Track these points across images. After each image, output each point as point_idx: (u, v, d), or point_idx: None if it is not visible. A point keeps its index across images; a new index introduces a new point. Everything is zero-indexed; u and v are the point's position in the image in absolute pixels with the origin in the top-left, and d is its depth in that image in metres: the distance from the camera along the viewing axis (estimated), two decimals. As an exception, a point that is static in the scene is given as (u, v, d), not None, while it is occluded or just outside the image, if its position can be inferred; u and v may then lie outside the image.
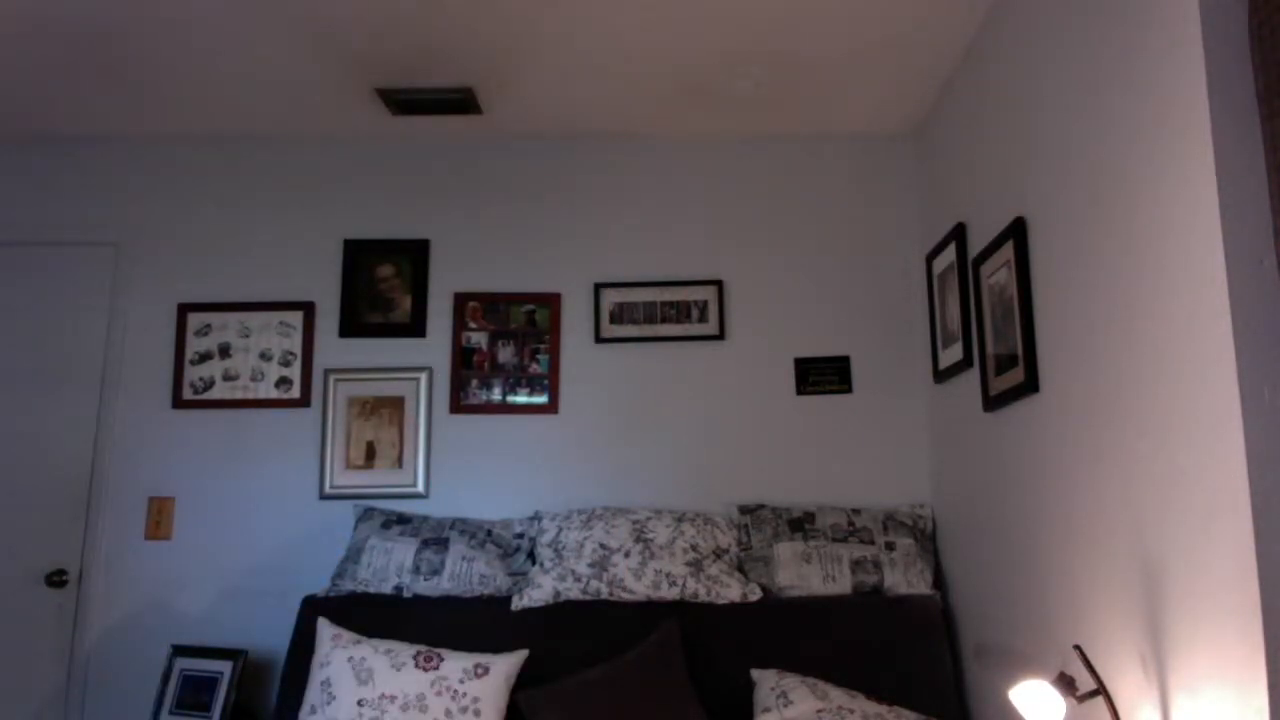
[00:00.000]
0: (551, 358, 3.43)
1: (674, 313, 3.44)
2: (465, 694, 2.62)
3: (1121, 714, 1.88)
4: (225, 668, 3.03)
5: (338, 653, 2.72)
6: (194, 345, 3.43)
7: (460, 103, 3.26)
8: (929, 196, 3.37)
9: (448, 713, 2.59)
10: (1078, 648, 1.97)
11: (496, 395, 3.41)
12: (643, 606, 2.97)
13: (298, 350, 3.43)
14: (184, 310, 3.45)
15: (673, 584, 2.97)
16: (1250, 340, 1.55)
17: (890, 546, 3.07)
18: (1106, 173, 2.00)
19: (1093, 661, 1.96)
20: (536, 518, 3.23)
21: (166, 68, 3.05)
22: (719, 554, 3.09)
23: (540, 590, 2.98)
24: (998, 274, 2.59)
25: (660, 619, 2.91)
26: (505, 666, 2.71)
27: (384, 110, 3.34)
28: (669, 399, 3.40)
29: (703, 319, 3.43)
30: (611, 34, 2.85)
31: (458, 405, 3.39)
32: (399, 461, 3.36)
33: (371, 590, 3.04)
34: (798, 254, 3.49)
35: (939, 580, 3.15)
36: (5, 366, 3.40)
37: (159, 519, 3.33)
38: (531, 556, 3.19)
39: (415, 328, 3.44)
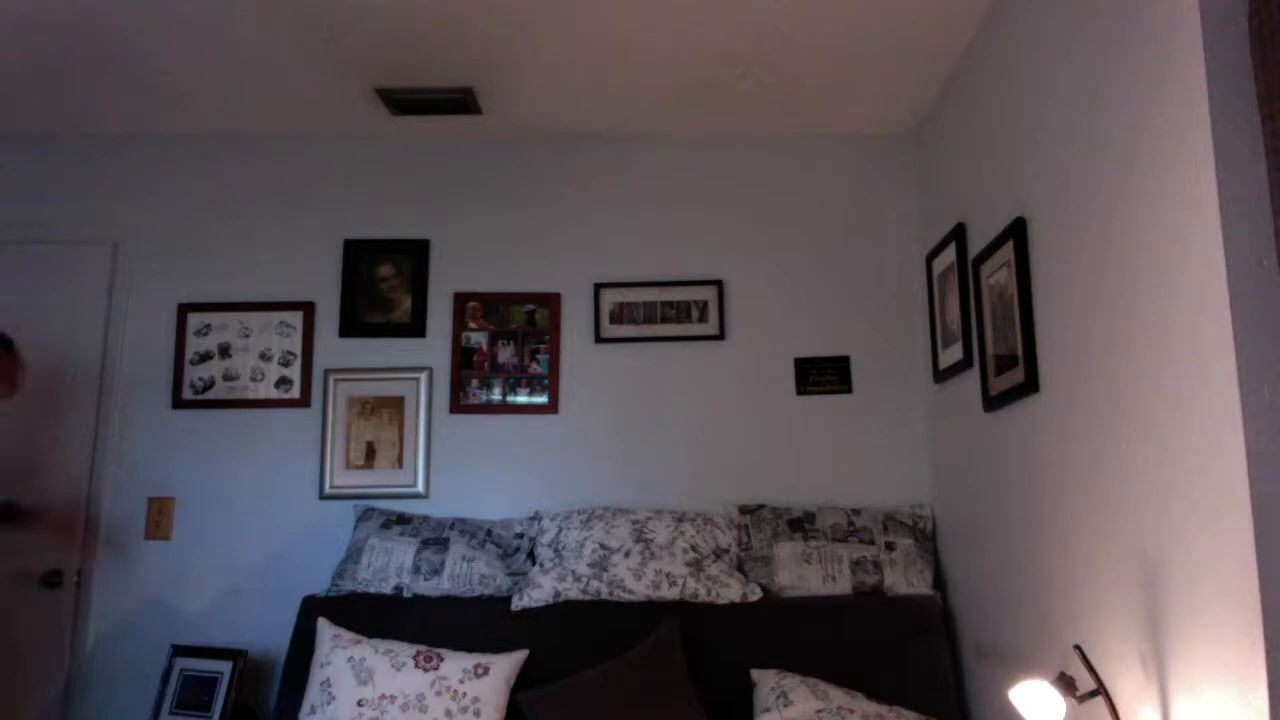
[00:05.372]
0: (551, 358, 3.43)
1: (674, 313, 3.44)
2: (465, 694, 2.62)
3: (1121, 714, 1.88)
4: (225, 668, 3.03)
5: (338, 653, 2.72)
6: (194, 345, 3.43)
7: (460, 103, 3.26)
8: (929, 196, 3.37)
9: (448, 713, 2.59)
10: (1078, 648, 1.97)
11: (496, 395, 3.41)
12: (643, 606, 2.97)
13: (298, 350, 3.43)
14: (184, 310, 3.45)
15: (673, 584, 2.97)
16: (1250, 340, 1.55)
17: (890, 546, 3.07)
18: (1106, 173, 2.00)
19: (1093, 661, 1.96)
20: (536, 518, 3.23)
21: (166, 67, 3.05)
22: (719, 554, 3.09)
23: (540, 590, 2.98)
24: (998, 274, 2.59)
25: (660, 619, 2.91)
26: (505, 666, 2.71)
27: (384, 110, 3.34)
28: (669, 399, 3.40)
29: (703, 319, 3.43)
30: (611, 34, 2.85)
31: (458, 405, 3.39)
32: (399, 461, 3.36)
33: (371, 590, 3.04)
34: (798, 254, 3.49)
35: (939, 580, 3.15)
36: (5, 366, 3.39)
37: (159, 519, 3.33)
38: (531, 556, 3.19)
39: (415, 328, 3.44)
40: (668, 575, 2.98)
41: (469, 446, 3.38)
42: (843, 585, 3.01)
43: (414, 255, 3.49)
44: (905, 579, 3.02)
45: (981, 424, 2.79)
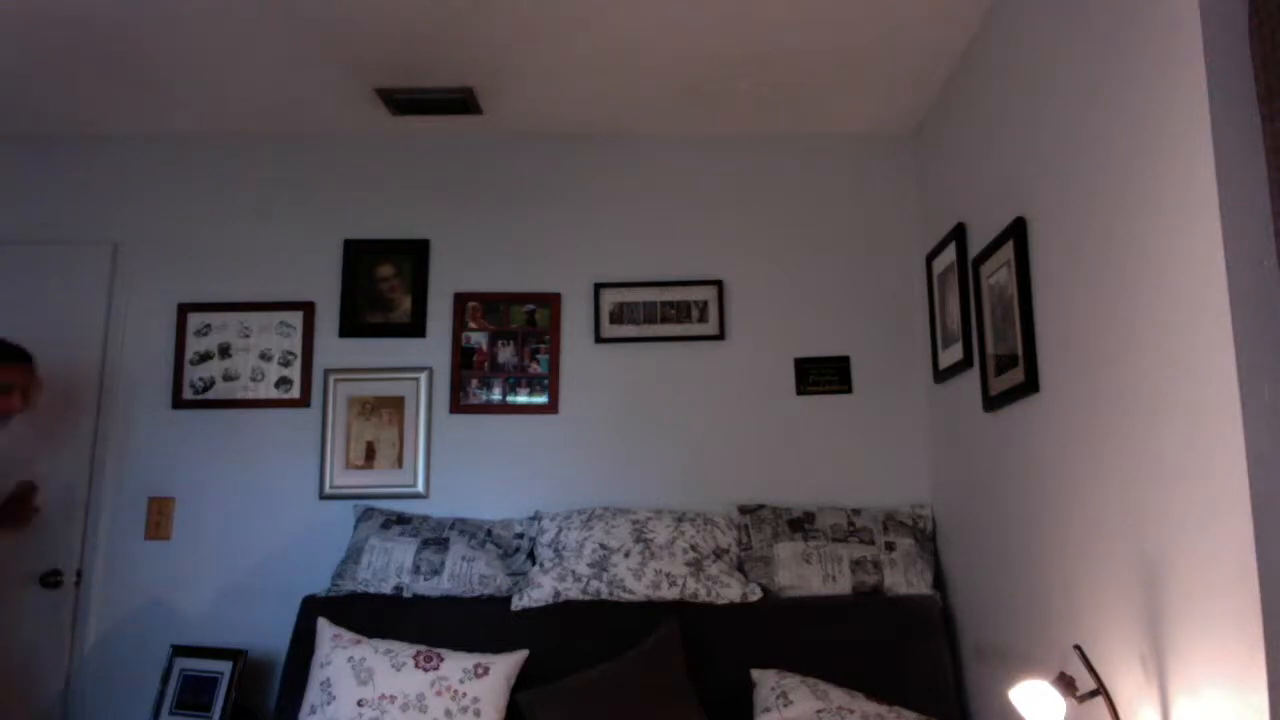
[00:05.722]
0: (551, 358, 3.43)
1: (674, 313, 3.44)
2: (465, 694, 2.62)
3: (1121, 714, 1.88)
4: (225, 668, 3.03)
5: (338, 653, 2.72)
6: (194, 345, 3.43)
7: (460, 103, 3.26)
8: (929, 196, 3.37)
9: (448, 713, 2.59)
10: (1078, 648, 1.97)
11: (496, 395, 3.41)
12: (643, 606, 2.97)
13: (298, 350, 3.43)
14: (184, 310, 3.45)
15: (673, 584, 2.97)
16: (1250, 340, 1.55)
17: (890, 546, 3.07)
18: (1106, 173, 2.00)
19: (1093, 661, 1.96)
20: (536, 518, 3.23)
21: (167, 68, 3.05)
22: (719, 554, 3.09)
23: (540, 590, 2.98)
24: (998, 274, 2.59)
25: (660, 619, 2.91)
26: (505, 666, 2.71)
27: (384, 110, 3.34)
28: (669, 399, 3.40)
29: (703, 319, 3.43)
30: (611, 34, 2.85)
31: (458, 405, 3.39)
32: (399, 461, 3.36)
33: (371, 590, 3.04)
34: (798, 254, 3.49)
35: (939, 580, 3.14)
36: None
37: (159, 519, 3.33)
38: (531, 556, 3.19)
39: (415, 328, 3.44)
40: (668, 575, 2.98)
41: (469, 446, 3.38)
42: (843, 585, 3.01)
43: (414, 255, 3.49)
44: (905, 579, 3.02)
45: (981, 424, 2.79)
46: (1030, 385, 2.37)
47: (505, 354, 3.43)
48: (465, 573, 3.03)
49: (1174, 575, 1.74)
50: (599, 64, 3.04)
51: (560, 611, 2.97)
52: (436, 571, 3.03)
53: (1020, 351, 2.42)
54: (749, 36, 2.87)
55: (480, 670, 2.68)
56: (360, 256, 3.49)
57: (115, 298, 3.46)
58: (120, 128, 3.50)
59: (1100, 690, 1.86)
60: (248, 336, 3.44)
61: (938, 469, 3.25)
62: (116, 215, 3.52)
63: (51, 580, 3.27)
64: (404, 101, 3.25)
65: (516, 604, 2.99)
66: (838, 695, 2.60)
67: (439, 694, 2.61)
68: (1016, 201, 2.51)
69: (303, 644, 2.93)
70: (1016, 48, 2.52)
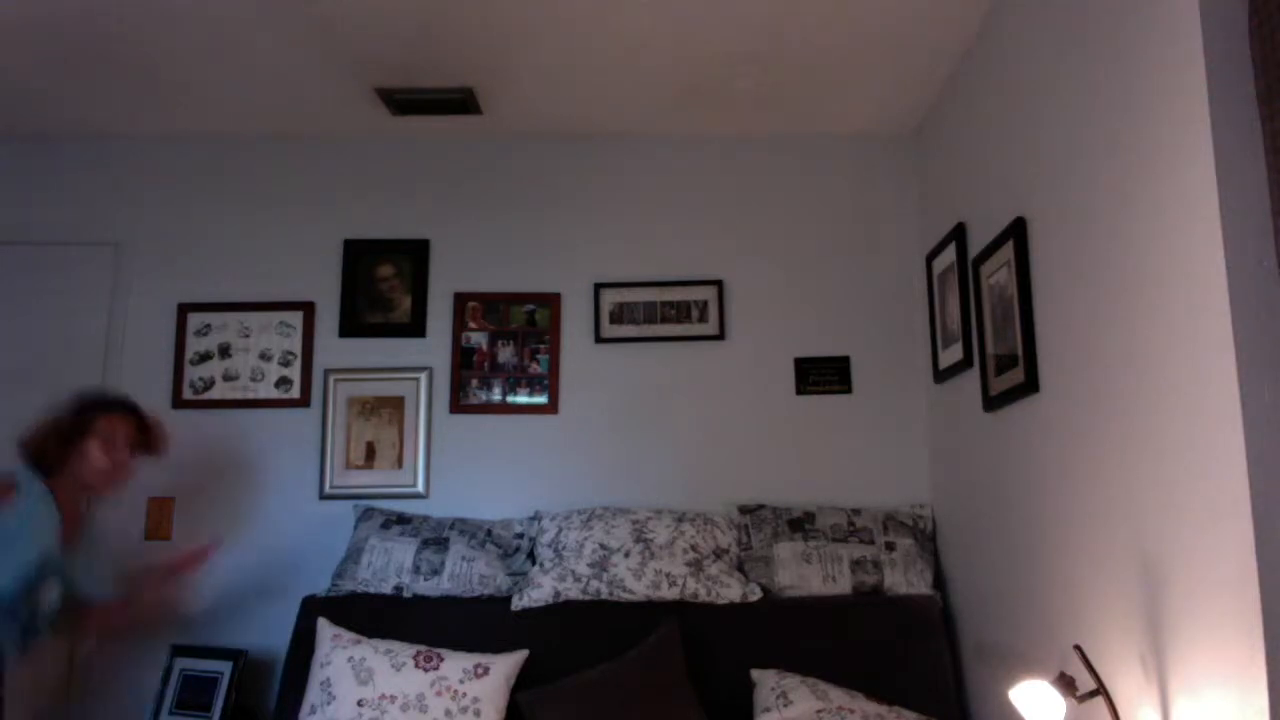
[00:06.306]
0: (551, 358, 3.43)
1: (674, 313, 3.44)
2: (465, 694, 2.62)
3: (1121, 714, 1.88)
4: (225, 668, 3.03)
5: (338, 653, 2.72)
6: (194, 345, 3.43)
7: (460, 103, 3.26)
8: (929, 196, 3.37)
9: (448, 713, 2.59)
10: (1078, 648, 1.97)
11: (496, 395, 3.40)
12: (643, 606, 2.97)
13: (298, 350, 3.43)
14: (184, 310, 3.45)
15: (673, 584, 2.97)
16: (1250, 340, 1.55)
17: (890, 546, 3.07)
18: (1106, 173, 2.00)
19: (1093, 661, 1.96)
20: (536, 518, 3.23)
21: (167, 68, 3.05)
22: (719, 554, 3.09)
23: (540, 590, 2.98)
24: (998, 274, 2.59)
25: (660, 619, 2.91)
26: (505, 666, 2.71)
27: (384, 110, 3.34)
28: (669, 399, 3.39)
29: (703, 319, 3.43)
30: (611, 34, 2.85)
31: (458, 405, 3.39)
32: (399, 461, 3.36)
33: (371, 590, 3.04)
34: (798, 254, 3.49)
35: (939, 580, 3.14)
36: (5, 366, 3.39)
37: (159, 519, 3.32)
38: (531, 556, 3.19)
39: (415, 328, 3.44)
40: (668, 575, 2.98)
41: (469, 446, 3.38)
42: (843, 585, 3.01)
43: (414, 255, 3.49)
44: (905, 579, 3.02)
45: (981, 424, 2.79)
46: (1030, 385, 2.37)
47: (505, 354, 3.43)
48: (465, 573, 3.03)
49: (1174, 575, 1.74)
50: (599, 64, 3.04)
51: (560, 611, 2.97)
52: (436, 571, 3.03)
53: (1020, 351, 2.42)
54: (749, 36, 2.86)
55: (480, 670, 2.68)
56: (360, 256, 3.49)
57: (115, 298, 3.45)
58: (120, 128, 3.50)
59: (1100, 690, 1.86)
60: (248, 336, 3.44)
61: (938, 469, 3.25)
62: (117, 215, 3.52)
63: (52, 580, 3.26)
64: (404, 101, 3.25)
65: (516, 604, 2.99)
66: (838, 695, 2.60)
67: (439, 694, 2.61)
68: (1016, 201, 2.51)
69: (303, 644, 2.93)
70: (1016, 48, 2.52)
